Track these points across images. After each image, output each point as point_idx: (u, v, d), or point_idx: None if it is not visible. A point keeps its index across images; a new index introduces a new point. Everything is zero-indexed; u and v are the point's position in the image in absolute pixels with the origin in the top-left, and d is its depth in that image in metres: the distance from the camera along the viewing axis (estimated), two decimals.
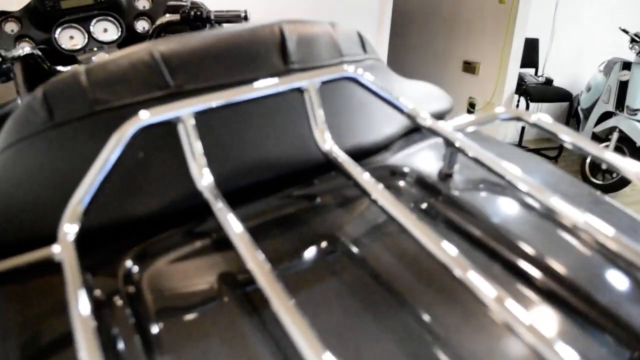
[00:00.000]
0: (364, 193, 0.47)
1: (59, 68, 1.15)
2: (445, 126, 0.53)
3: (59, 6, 1.27)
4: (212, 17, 1.19)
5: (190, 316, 0.41)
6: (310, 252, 0.47)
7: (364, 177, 0.48)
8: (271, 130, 0.55)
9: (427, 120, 0.54)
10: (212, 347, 0.38)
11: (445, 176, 0.57)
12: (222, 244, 0.48)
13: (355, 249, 0.47)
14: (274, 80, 0.51)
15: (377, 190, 0.45)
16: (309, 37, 0.59)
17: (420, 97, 0.71)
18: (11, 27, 1.25)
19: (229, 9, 1.20)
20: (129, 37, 1.34)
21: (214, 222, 0.47)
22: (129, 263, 0.47)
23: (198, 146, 0.47)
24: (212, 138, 0.52)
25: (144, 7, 1.37)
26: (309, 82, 0.53)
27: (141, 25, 1.37)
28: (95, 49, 1.28)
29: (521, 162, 0.62)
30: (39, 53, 1.09)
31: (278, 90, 0.51)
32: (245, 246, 0.39)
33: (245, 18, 1.17)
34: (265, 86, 0.50)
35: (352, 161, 0.51)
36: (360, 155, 0.61)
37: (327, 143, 0.54)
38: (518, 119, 0.55)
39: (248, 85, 0.49)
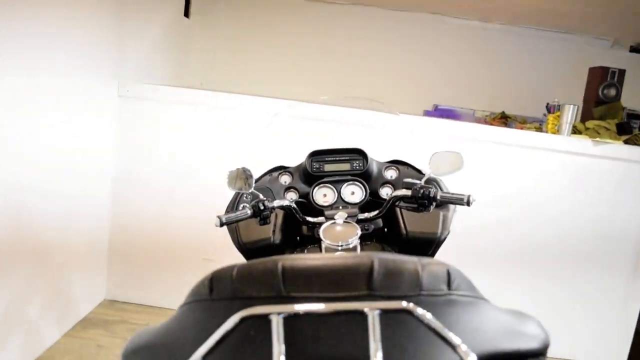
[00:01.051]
0: None
1: (308, 219, 1.44)
2: None
3: (323, 169, 1.59)
4: (439, 197, 1.34)
5: None
6: None
7: None
8: (341, 339, 0.69)
9: None
10: None
11: None
12: None
13: None
14: (347, 305, 0.68)
15: None
16: (394, 270, 0.73)
17: (500, 331, 0.75)
18: (284, 179, 1.61)
19: (454, 191, 1.38)
20: (372, 201, 1.55)
21: None
22: None
23: (281, 338, 0.66)
24: (294, 333, 0.68)
25: (390, 176, 1.62)
26: (369, 309, 0.67)
27: (385, 192, 1.59)
28: (340, 207, 1.51)
29: None
30: (295, 206, 1.41)
31: (342, 309, 0.68)
32: None
33: (468, 203, 1.31)
34: (333, 309, 0.68)
35: None
36: None
37: (378, 356, 0.65)
38: None
39: (326, 303, 0.68)
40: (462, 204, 1.33)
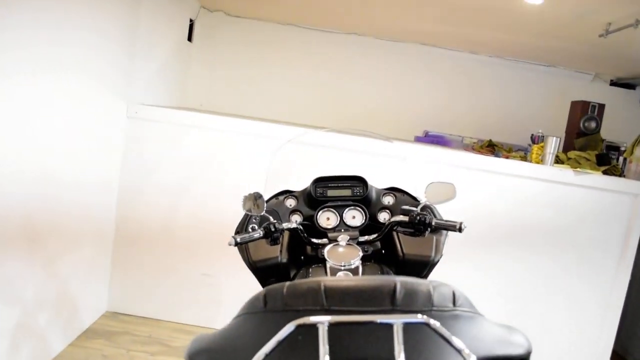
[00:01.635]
0: None
1: (313, 240, 1.57)
2: None
3: (326, 194, 1.72)
4: (434, 223, 1.49)
5: None
6: None
7: None
8: (372, 343, 0.87)
9: None
10: None
11: None
12: None
13: None
14: (377, 316, 0.85)
15: None
16: (412, 290, 0.91)
17: (494, 340, 0.96)
18: (290, 202, 1.73)
19: (447, 219, 1.54)
20: (371, 225, 1.68)
21: None
22: None
23: (326, 342, 0.81)
24: (336, 338, 0.84)
25: (388, 202, 1.75)
26: (395, 321, 0.84)
27: (382, 217, 1.72)
28: (342, 230, 1.63)
29: None
30: (301, 228, 1.55)
31: (375, 320, 0.85)
32: None
33: (460, 229, 1.47)
34: (367, 320, 0.85)
35: None
36: None
37: (401, 357, 0.81)
38: None
39: (362, 315, 0.86)
40: (455, 230, 1.48)
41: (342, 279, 0.99)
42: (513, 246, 2.96)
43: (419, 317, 0.85)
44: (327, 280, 0.93)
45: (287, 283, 0.95)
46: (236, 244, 1.44)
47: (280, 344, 0.83)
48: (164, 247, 2.98)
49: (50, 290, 2.40)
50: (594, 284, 2.96)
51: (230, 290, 2.94)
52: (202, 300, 3.02)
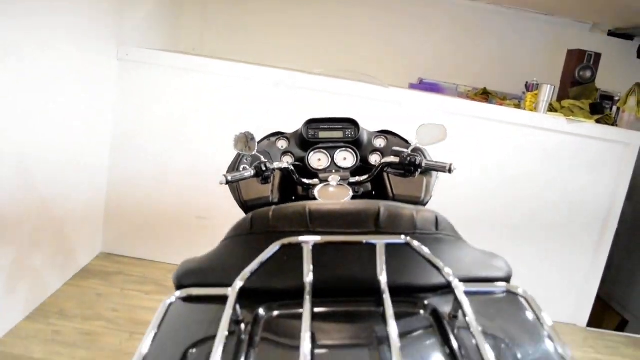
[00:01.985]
0: (383, 318, 0.77)
1: (304, 180, 1.57)
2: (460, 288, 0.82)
3: (318, 135, 1.71)
4: (424, 164, 1.50)
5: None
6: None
7: (388, 303, 0.79)
8: (355, 263, 0.90)
9: (453, 282, 0.82)
10: None
11: (453, 317, 0.84)
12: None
13: None
14: (361, 237, 0.88)
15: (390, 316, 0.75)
16: (395, 214, 0.95)
17: (475, 263, 0.99)
18: (281, 144, 1.72)
19: (437, 160, 1.54)
20: (362, 167, 1.68)
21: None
22: (260, 311, 0.85)
23: (310, 261, 0.85)
24: (322, 257, 0.87)
25: (379, 145, 1.74)
26: (378, 241, 0.87)
27: (374, 159, 1.72)
28: (333, 171, 1.63)
29: None
30: (292, 168, 1.55)
31: (358, 240, 0.88)
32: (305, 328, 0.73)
33: (450, 170, 1.47)
34: (350, 240, 0.89)
35: (387, 290, 0.82)
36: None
37: (382, 276, 0.85)
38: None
39: (345, 236, 0.90)
40: (445, 171, 1.49)
41: (327, 202, 1.02)
42: (503, 193, 3.00)
43: (402, 238, 0.87)
44: (312, 204, 0.96)
45: (273, 207, 0.98)
46: (227, 182, 1.44)
47: (265, 263, 0.85)
48: (158, 190, 2.99)
49: (45, 231, 2.43)
50: (582, 231, 3.02)
51: (224, 233, 2.96)
52: (196, 242, 3.04)
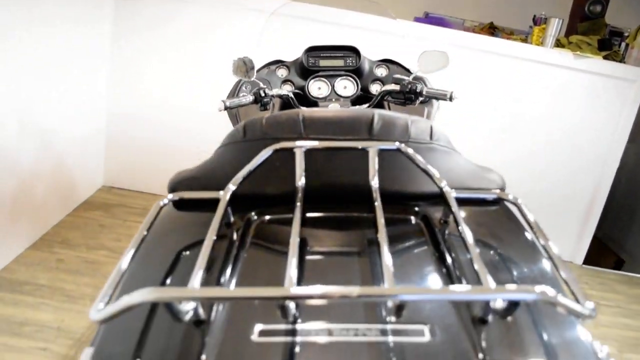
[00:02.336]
0: (374, 224, 0.77)
1: (303, 108, 1.53)
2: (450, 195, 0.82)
3: (318, 64, 1.68)
4: (425, 92, 1.47)
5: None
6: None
7: (379, 208, 0.79)
8: (347, 169, 0.91)
9: (444, 188, 0.83)
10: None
11: (444, 222, 0.86)
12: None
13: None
14: (354, 143, 0.88)
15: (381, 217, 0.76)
16: (389, 121, 0.94)
17: (468, 174, 0.98)
18: (281, 72, 1.70)
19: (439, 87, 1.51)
20: (362, 96, 1.65)
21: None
22: (252, 216, 0.87)
23: (303, 166, 0.86)
24: (315, 163, 0.89)
25: (381, 74, 1.72)
26: (370, 147, 0.87)
27: (375, 88, 1.69)
28: (333, 100, 1.61)
29: None
30: (292, 96, 1.55)
31: (350, 146, 0.88)
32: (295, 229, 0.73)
33: (451, 98, 1.43)
34: (343, 145, 0.89)
35: (379, 197, 0.83)
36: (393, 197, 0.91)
37: (374, 182, 0.86)
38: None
39: (338, 142, 0.89)
40: (445, 99, 1.47)
41: (321, 109, 1.02)
42: (505, 127, 2.97)
43: (395, 144, 0.87)
44: (306, 110, 0.95)
45: (267, 115, 0.97)
46: (225, 108, 1.43)
47: (257, 168, 0.86)
48: (158, 123, 2.97)
49: (45, 163, 2.43)
50: (582, 169, 3.01)
51: None
52: None
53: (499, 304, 0.65)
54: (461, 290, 0.61)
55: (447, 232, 0.83)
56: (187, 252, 0.79)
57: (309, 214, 0.86)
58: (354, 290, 0.56)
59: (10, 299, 1.97)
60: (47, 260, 2.26)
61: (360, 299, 0.57)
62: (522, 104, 2.93)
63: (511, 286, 0.62)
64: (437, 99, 1.52)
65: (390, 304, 0.67)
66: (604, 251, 3.64)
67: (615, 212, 3.49)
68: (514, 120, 2.96)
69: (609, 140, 2.95)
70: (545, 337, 0.64)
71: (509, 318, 0.66)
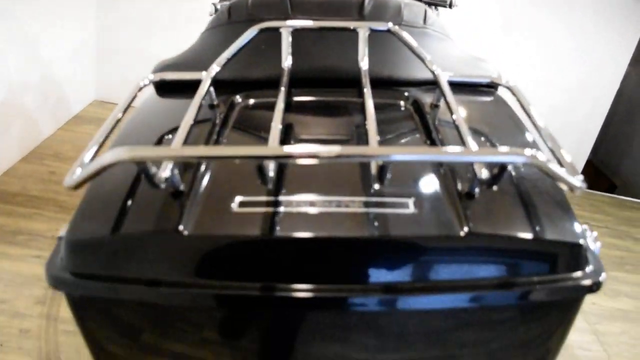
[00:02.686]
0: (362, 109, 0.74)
1: None
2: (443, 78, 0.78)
3: None
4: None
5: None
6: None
7: (367, 91, 0.76)
8: (336, 51, 0.88)
9: (435, 71, 0.79)
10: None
11: (435, 106, 0.84)
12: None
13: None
14: (343, 23, 0.84)
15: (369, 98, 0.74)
16: (382, 3, 0.90)
17: (461, 62, 0.95)
18: None
19: None
20: None
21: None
22: (236, 98, 0.84)
23: (289, 47, 0.83)
24: (302, 45, 0.85)
25: None
26: (362, 28, 0.83)
27: None
28: None
29: None
30: None
31: (339, 26, 0.84)
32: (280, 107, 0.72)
33: (450, 5, 1.41)
34: (332, 25, 0.84)
35: (367, 81, 0.80)
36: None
37: (364, 63, 0.83)
38: None
39: (327, 22, 0.84)
40: (445, 6, 1.43)
41: None
42: (507, 44, 2.90)
43: (387, 25, 0.84)
44: None
45: None
46: (216, 10, 1.40)
47: (242, 49, 0.82)
48: (148, 37, 2.89)
49: (33, 72, 2.37)
50: (581, 89, 2.97)
51: None
52: None
53: (485, 174, 0.62)
54: (448, 151, 0.58)
55: (437, 117, 0.81)
56: (169, 135, 0.77)
57: (295, 98, 0.84)
58: (335, 149, 0.54)
59: (3, 210, 1.98)
60: (39, 172, 2.25)
61: (341, 158, 0.54)
62: (525, 19, 2.83)
63: (502, 148, 0.60)
64: (437, 5, 1.47)
65: (374, 168, 0.65)
66: (598, 177, 3.65)
67: (611, 139, 3.47)
68: (514, 39, 2.87)
69: (609, 61, 2.89)
70: (531, 211, 0.63)
71: (495, 188, 0.64)
